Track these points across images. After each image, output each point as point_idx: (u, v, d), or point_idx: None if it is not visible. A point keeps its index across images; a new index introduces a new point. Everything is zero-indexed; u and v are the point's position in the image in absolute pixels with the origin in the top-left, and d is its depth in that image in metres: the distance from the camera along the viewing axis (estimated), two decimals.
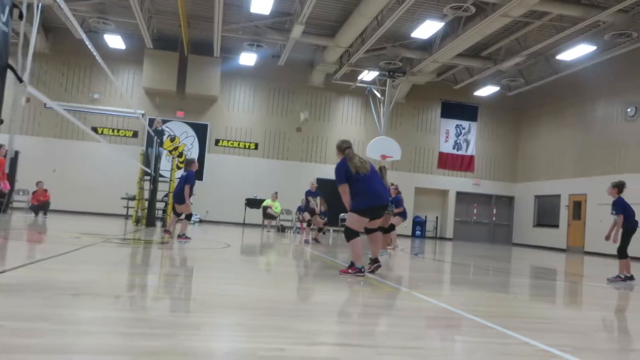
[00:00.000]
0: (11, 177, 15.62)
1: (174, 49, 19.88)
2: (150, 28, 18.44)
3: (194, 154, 20.83)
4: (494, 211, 23.87)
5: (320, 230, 13.38)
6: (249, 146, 21.48)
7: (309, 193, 13.26)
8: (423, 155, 23.10)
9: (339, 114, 22.43)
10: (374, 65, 19.67)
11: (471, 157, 23.37)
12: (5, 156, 11.33)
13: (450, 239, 22.77)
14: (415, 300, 4.77)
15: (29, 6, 4.10)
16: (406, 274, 7.57)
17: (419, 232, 22.42)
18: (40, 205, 15.73)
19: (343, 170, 6.09)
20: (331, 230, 19.67)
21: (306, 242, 12.28)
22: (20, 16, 4.01)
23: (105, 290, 4.08)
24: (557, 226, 20.90)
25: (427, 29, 15.86)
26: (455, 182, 23.25)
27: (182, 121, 20.90)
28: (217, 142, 21.24)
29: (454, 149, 23.21)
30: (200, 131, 21.04)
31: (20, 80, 4.08)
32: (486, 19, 14.57)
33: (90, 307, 3.43)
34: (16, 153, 17.32)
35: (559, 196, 20.95)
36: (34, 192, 16.06)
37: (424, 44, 18.14)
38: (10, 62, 3.87)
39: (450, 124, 23.25)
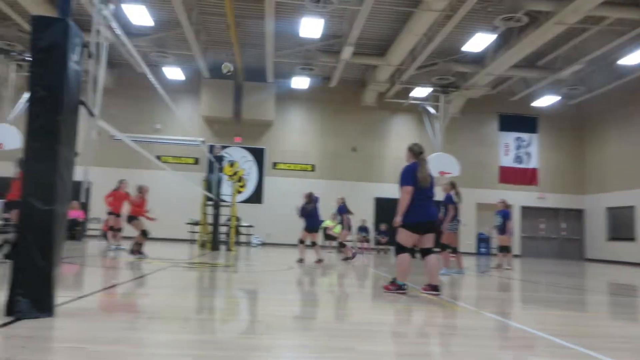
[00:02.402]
0: (85, 206, 16.50)
1: (229, 77, 20.51)
2: (206, 58, 19.16)
3: (252, 178, 21.30)
4: (563, 225, 22.82)
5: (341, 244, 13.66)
6: (306, 168, 21.70)
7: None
8: (483, 170, 22.51)
9: (393, 132, 22.31)
10: (427, 82, 19.51)
11: (534, 170, 22.58)
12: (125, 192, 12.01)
13: (517, 256, 21.92)
14: (485, 320, 4.61)
15: (97, 45, 4.37)
16: (474, 293, 7.34)
17: (484, 249, 21.74)
18: None
19: (412, 173, 5.91)
20: (391, 250, 19.42)
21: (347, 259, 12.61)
22: (90, 55, 4.28)
23: (176, 313, 4.20)
24: (633, 239, 19.71)
25: (478, 42, 15.61)
26: (519, 197, 22.45)
27: (240, 146, 21.45)
28: (274, 165, 21.62)
29: (515, 162, 22.52)
30: (258, 155, 21.50)
31: (91, 114, 4.33)
32: (540, 27, 14.17)
33: (164, 330, 3.53)
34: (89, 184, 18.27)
35: (632, 207, 19.80)
36: (105, 220, 16.81)
37: (476, 57, 17.84)
38: (82, 98, 4.12)
39: (510, 137, 22.62)
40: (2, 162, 19.98)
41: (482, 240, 21.78)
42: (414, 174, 5.90)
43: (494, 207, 13.64)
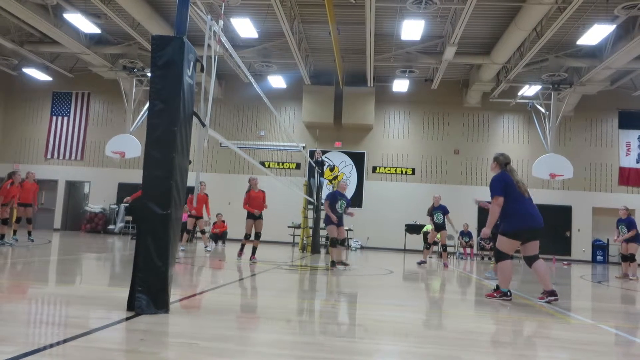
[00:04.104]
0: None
1: (329, 83, 20.85)
2: (308, 66, 19.62)
3: (352, 182, 21.43)
4: None
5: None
6: (406, 172, 21.43)
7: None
8: (600, 172, 20.82)
9: (499, 133, 21.35)
10: (536, 79, 18.43)
11: None
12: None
13: None
14: (603, 334, 4.26)
15: (208, 59, 4.65)
16: (589, 304, 6.81)
17: (601, 257, 20.06)
18: (219, 235, 17.37)
19: (503, 182, 5.87)
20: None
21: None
22: (202, 69, 4.57)
23: (279, 314, 4.34)
24: None
25: (595, 34, 14.45)
26: None
27: (340, 151, 21.68)
28: (374, 169, 21.59)
29: (637, 162, 20.59)
30: (358, 159, 21.60)
31: (203, 124, 4.62)
32: None
33: (267, 330, 3.67)
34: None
35: None
36: (214, 223, 17.80)
37: (593, 50, 16.54)
38: (194, 109, 4.40)
39: (631, 135, 20.74)
40: (125, 170, 21.99)
41: (599, 247, 20.10)
42: (505, 183, 5.86)
43: (610, 212, 12.64)
